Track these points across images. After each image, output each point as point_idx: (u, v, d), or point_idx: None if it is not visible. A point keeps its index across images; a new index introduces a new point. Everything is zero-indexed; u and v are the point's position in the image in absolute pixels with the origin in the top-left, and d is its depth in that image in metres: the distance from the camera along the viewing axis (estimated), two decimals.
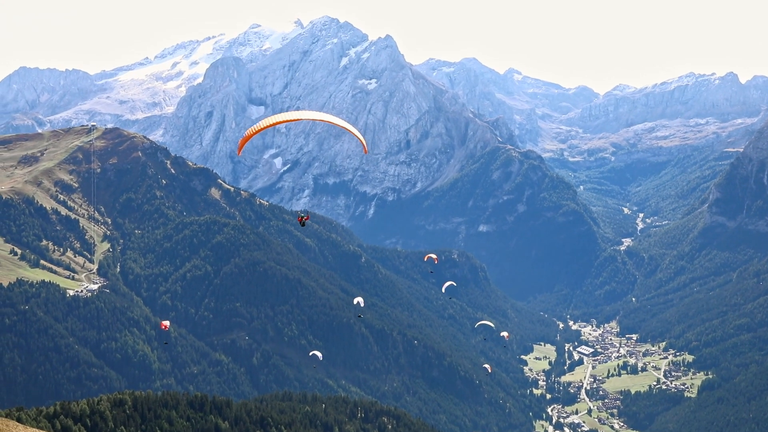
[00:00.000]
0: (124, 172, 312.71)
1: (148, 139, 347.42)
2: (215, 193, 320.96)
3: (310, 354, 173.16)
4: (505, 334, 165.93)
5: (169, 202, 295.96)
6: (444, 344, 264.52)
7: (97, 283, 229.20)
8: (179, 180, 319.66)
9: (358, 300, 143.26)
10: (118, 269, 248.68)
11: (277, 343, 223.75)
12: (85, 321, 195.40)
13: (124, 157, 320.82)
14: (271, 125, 40.27)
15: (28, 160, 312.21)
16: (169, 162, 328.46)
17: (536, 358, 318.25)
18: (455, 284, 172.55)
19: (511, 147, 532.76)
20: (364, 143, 40.42)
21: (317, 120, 41.70)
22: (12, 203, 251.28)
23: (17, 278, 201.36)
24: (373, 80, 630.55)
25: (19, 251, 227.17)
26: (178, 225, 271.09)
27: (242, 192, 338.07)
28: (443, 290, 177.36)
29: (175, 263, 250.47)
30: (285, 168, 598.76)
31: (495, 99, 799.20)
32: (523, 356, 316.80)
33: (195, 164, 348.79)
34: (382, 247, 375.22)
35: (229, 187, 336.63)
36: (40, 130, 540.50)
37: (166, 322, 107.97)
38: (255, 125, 40.69)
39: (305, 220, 53.80)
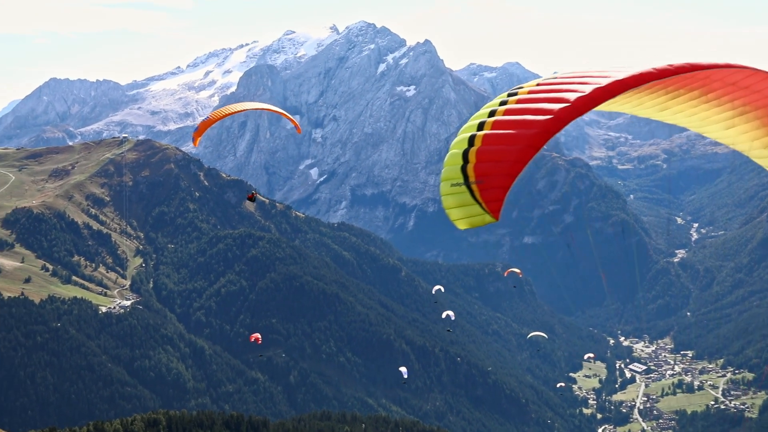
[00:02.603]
0: (156, 184, 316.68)
1: (181, 151, 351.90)
2: (250, 205, 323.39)
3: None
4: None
5: (203, 215, 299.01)
6: (488, 361, 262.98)
7: (129, 299, 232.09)
8: (213, 192, 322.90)
9: (448, 313, 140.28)
10: (151, 285, 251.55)
11: (315, 360, 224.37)
12: (118, 338, 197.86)
13: (157, 170, 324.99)
14: (217, 119, 41.78)
15: (59, 174, 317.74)
16: (202, 174, 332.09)
17: (585, 376, 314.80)
18: (443, 289, 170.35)
19: (556, 155, 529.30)
20: (297, 123, 41.54)
21: (241, 110, 43.38)
22: (43, 218, 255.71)
23: (49, 295, 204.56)
24: (412, 87, 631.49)
25: (50, 267, 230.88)
26: (212, 239, 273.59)
27: (277, 204, 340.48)
28: (433, 292, 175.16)
29: (209, 278, 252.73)
30: (321, 179, 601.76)
31: None
32: (571, 374, 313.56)
33: (229, 176, 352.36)
34: (422, 260, 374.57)
35: (264, 199, 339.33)
36: (70, 143, 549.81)
37: (257, 335, 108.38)
38: (205, 119, 42.41)
39: (255, 195, 54.79)
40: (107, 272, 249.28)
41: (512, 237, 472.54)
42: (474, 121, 19.35)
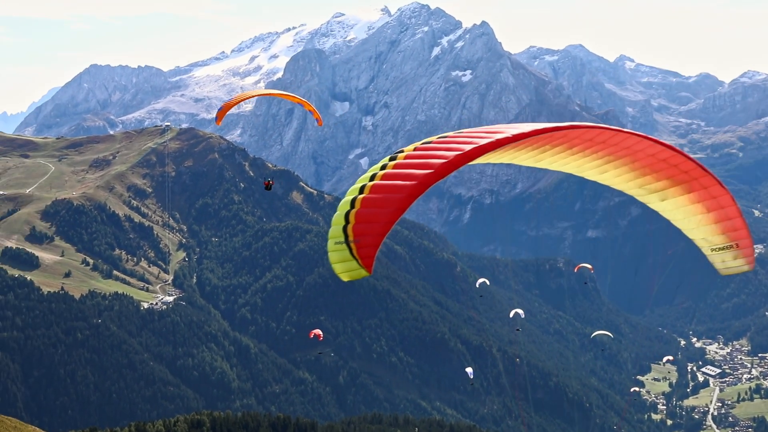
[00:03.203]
0: (200, 175, 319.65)
1: (225, 140, 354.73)
2: (297, 197, 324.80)
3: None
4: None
5: (248, 207, 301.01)
6: (550, 362, 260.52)
7: (172, 294, 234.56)
8: (258, 183, 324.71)
9: (518, 311, 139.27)
10: (195, 280, 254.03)
11: (365, 360, 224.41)
12: (161, 335, 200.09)
13: (200, 159, 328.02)
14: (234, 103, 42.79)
15: (99, 164, 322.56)
16: (247, 164, 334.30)
17: (655, 379, 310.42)
18: (488, 282, 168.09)
19: None
20: (318, 115, 42.23)
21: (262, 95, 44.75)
22: (83, 210, 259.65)
23: (89, 290, 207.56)
24: (468, 71, 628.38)
25: (91, 261, 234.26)
26: (258, 232, 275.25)
27: (326, 195, 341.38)
28: (477, 285, 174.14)
29: (254, 273, 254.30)
30: None
31: (604, 90, 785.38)
32: (639, 377, 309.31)
33: (275, 166, 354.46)
34: (479, 255, 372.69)
35: (311, 190, 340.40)
36: (111, 132, 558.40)
37: (318, 331, 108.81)
38: (229, 101, 43.39)
39: (271, 184, 54.67)
40: (149, 267, 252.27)
41: (575, 230, 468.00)
42: (358, 184, 23.17)
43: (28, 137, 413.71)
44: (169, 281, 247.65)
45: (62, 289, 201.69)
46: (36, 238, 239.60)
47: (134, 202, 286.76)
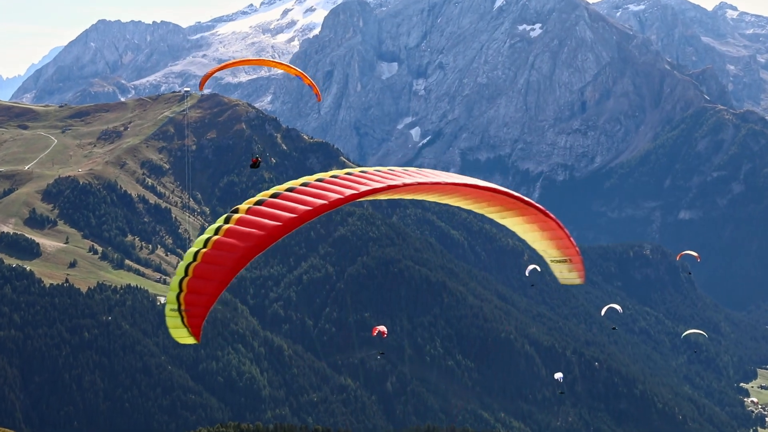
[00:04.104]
0: (224, 149, 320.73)
1: (254, 108, 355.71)
2: None
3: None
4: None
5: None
6: (635, 367, 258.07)
7: None
8: (292, 158, 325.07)
9: (614, 306, 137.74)
10: None
11: (417, 364, 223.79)
12: None
13: (225, 131, 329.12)
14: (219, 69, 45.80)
15: (109, 136, 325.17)
16: (279, 135, 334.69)
17: (761, 387, 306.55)
18: (539, 269, 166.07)
19: (723, 107, 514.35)
20: (317, 90, 43.64)
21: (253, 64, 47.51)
22: (91, 189, 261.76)
23: (98, 282, 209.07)
24: (537, 25, 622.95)
25: (99, 249, 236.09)
26: None
27: None
28: (527, 273, 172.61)
29: (288, 263, 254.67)
30: (424, 141, 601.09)
31: (701, 44, 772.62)
32: (743, 384, 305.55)
33: (312, 138, 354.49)
34: None
35: (354, 166, 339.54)
36: (123, 99, 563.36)
37: (382, 327, 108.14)
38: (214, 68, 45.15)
39: (259, 162, 55.07)
40: (166, 255, 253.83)
41: (664, 211, 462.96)
42: (193, 249, 26.13)
43: (27, 105, 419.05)
44: None
45: (67, 281, 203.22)
46: (36, 222, 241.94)
47: (149, 181, 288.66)
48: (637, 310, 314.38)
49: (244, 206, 27.41)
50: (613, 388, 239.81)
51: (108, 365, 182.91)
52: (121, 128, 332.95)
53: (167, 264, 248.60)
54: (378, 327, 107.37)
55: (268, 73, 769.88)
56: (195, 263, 25.69)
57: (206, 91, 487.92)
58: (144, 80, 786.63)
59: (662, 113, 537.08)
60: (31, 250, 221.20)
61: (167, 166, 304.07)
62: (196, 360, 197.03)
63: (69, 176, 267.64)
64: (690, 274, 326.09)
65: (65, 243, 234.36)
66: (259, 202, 27.39)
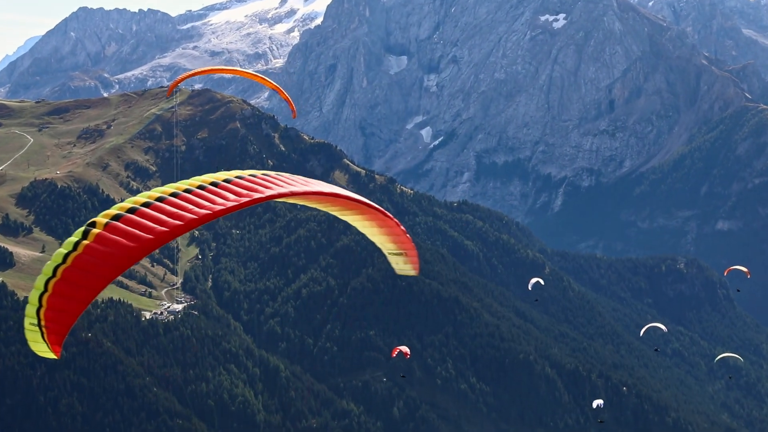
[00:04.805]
0: (217, 149, 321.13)
1: (250, 105, 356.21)
2: (340, 177, 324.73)
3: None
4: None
5: None
6: (667, 393, 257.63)
7: (182, 301, 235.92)
8: (291, 160, 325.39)
9: (656, 326, 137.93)
10: (210, 283, 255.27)
11: (427, 386, 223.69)
12: (167, 354, 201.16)
13: (218, 129, 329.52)
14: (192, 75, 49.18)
15: (90, 135, 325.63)
16: (277, 135, 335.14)
17: None
18: (542, 282, 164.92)
19: (765, 106, 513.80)
20: (293, 106, 51.38)
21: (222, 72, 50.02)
22: (70, 193, 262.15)
23: None
24: (561, 15, 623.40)
25: None
26: (290, 222, 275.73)
27: (377, 176, 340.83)
28: (530, 287, 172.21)
29: (285, 275, 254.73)
30: (436, 142, 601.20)
31: (741, 37, 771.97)
32: None
33: (313, 138, 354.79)
34: (574, 253, 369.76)
35: (359, 169, 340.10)
36: (105, 94, 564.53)
37: (404, 348, 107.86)
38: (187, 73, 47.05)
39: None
40: (152, 266, 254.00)
41: (700, 221, 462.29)
42: (51, 263, 27.04)
43: (0, 100, 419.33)
44: (178, 285, 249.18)
45: None
46: (9, 228, 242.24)
47: (134, 184, 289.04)
48: (669, 330, 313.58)
49: (113, 211, 27.70)
50: (642, 416, 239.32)
51: (87, 386, 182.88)
52: (104, 126, 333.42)
53: (153, 276, 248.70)
54: (399, 347, 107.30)
55: (265, 66, 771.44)
56: (54, 279, 26.93)
57: (197, 86, 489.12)
58: (129, 74, 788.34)
59: (698, 113, 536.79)
60: (4, 260, 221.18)
61: (154, 168, 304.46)
62: (185, 381, 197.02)
63: (46, 179, 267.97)
64: (739, 291, 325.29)
65: (41, 252, 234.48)
66: (131, 210, 27.62)
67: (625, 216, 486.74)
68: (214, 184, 28.41)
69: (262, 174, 29.41)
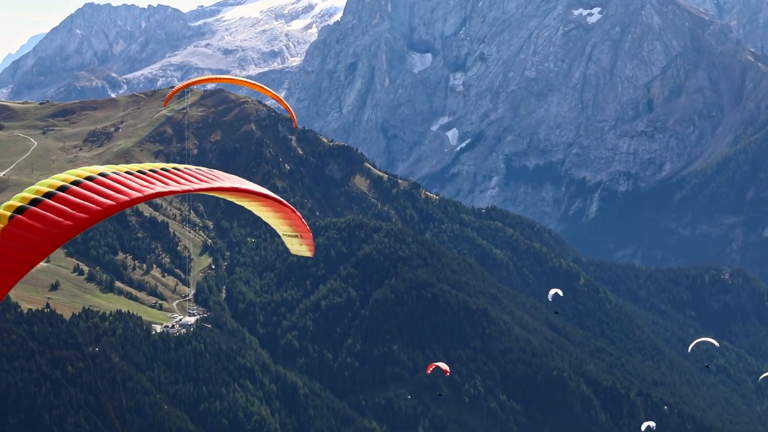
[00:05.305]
0: (230, 153, 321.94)
1: (265, 105, 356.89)
2: (361, 182, 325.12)
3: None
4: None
5: (296, 197, 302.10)
6: (711, 412, 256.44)
7: (194, 314, 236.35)
8: (309, 164, 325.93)
9: (707, 340, 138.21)
10: (224, 294, 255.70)
11: (454, 405, 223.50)
12: (178, 369, 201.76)
13: (231, 132, 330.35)
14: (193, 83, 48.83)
15: (97, 138, 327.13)
16: (294, 138, 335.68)
17: None
18: (561, 293, 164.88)
19: None
20: (293, 115, 54.23)
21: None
22: None
23: (84, 307, 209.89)
24: (596, 9, 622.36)
25: (85, 269, 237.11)
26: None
27: (400, 181, 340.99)
28: (549, 298, 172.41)
29: (304, 286, 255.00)
30: (463, 144, 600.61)
31: None
32: None
33: (332, 141, 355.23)
34: (610, 263, 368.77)
35: (381, 173, 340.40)
36: (113, 95, 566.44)
37: (443, 365, 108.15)
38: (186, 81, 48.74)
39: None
40: (163, 276, 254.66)
41: (746, 228, 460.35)
42: None
43: (2, 101, 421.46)
44: (190, 296, 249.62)
45: (47, 306, 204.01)
46: None
47: None
48: (711, 344, 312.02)
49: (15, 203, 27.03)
50: None
51: (95, 404, 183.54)
52: (112, 129, 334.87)
53: (164, 287, 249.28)
54: (437, 364, 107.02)
55: (282, 65, 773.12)
56: None
57: (210, 86, 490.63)
58: (138, 73, 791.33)
59: (744, 113, 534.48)
60: None
61: None
62: (197, 398, 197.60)
63: None
64: None
65: (46, 262, 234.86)
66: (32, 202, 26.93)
67: (665, 223, 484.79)
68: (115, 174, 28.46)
69: (161, 168, 30.00)
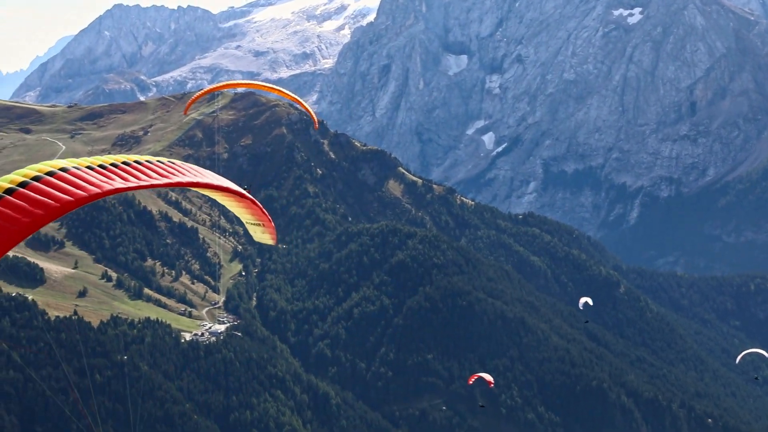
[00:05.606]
0: (261, 157, 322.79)
1: (296, 109, 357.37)
2: (395, 187, 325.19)
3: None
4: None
5: (328, 203, 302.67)
6: (757, 425, 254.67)
7: (224, 322, 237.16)
8: (342, 169, 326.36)
9: (586, 300, 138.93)
10: (254, 302, 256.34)
11: (490, 416, 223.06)
12: (208, 378, 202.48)
13: (262, 136, 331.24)
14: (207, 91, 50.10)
15: (126, 142, 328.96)
16: (326, 142, 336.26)
17: None
18: (591, 302, 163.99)
19: None
20: (314, 116, 55.21)
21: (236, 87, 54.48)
22: (104, 205, 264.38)
23: (112, 315, 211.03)
24: (637, 10, 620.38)
25: (114, 275, 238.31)
26: (341, 236, 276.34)
27: (435, 186, 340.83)
28: (580, 307, 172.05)
29: (336, 294, 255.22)
30: (499, 149, 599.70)
31: None
32: None
33: (365, 145, 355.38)
34: (651, 271, 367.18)
35: (415, 178, 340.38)
36: (142, 98, 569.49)
37: (487, 376, 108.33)
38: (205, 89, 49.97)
39: (248, 192, 60.11)
40: (193, 283, 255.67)
41: None
42: None
43: (30, 105, 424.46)
44: (220, 303, 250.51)
45: (75, 313, 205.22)
46: (40, 243, 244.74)
47: (173, 195, 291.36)
48: (760, 355, 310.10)
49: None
50: None
51: (123, 414, 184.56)
52: (140, 133, 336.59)
53: (193, 294, 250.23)
54: (480, 374, 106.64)
55: (314, 68, 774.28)
56: None
57: (241, 89, 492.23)
58: (167, 75, 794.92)
59: None
60: (34, 276, 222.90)
61: None
62: (227, 408, 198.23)
63: None
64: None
65: (74, 268, 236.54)
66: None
67: (708, 230, 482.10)
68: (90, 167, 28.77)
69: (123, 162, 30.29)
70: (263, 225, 38.47)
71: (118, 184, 28.27)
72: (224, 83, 51.98)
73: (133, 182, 28.99)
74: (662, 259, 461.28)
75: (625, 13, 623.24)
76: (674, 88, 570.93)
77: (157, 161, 31.33)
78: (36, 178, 27.05)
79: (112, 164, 29.29)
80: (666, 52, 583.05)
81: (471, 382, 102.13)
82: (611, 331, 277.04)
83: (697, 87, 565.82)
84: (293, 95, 49.61)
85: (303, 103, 48.93)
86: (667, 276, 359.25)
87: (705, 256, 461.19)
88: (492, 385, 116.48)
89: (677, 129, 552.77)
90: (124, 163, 29.73)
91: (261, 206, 37.66)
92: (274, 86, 51.35)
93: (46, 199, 26.33)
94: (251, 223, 38.73)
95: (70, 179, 27.37)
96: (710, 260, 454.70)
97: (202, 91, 52.51)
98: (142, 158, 30.89)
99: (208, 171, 34.87)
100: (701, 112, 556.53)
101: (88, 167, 28.49)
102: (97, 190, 27.26)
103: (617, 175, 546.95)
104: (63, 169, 27.73)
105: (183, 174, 32.03)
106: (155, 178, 30.21)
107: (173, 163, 32.26)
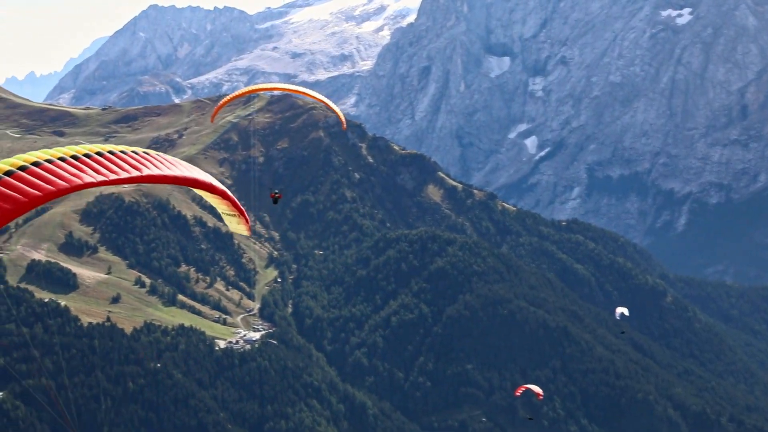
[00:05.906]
0: (298, 160, 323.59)
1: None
2: (434, 192, 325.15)
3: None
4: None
5: (366, 208, 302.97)
6: None
7: (259, 329, 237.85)
8: (380, 173, 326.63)
9: (622, 310, 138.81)
10: (290, 309, 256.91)
11: (533, 428, 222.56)
12: (243, 387, 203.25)
13: (299, 140, 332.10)
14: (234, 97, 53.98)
15: (160, 145, 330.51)
16: (365, 146, 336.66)
17: None
18: (627, 312, 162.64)
19: None
20: (342, 118, 57.31)
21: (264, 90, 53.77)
22: (138, 209, 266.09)
23: (145, 321, 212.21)
24: (686, 10, 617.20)
25: (147, 281, 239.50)
26: (379, 242, 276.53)
27: (476, 191, 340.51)
28: (617, 317, 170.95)
29: (373, 301, 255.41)
30: (542, 153, 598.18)
31: None
32: None
33: (404, 148, 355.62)
34: (700, 279, 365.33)
35: (455, 183, 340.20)
36: (177, 100, 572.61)
37: (536, 388, 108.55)
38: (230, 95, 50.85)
39: (278, 198, 61.87)
40: (227, 290, 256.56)
41: None
42: None
43: (64, 107, 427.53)
44: (255, 311, 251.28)
45: (108, 319, 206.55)
46: (73, 248, 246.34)
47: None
48: None
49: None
50: None
51: (156, 422, 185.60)
52: (175, 135, 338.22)
53: (228, 300, 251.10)
54: (528, 386, 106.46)
55: (352, 69, 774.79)
56: None
57: (277, 92, 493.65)
58: (203, 78, 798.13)
59: None
60: (67, 282, 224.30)
61: (229, 182, 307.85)
62: (262, 418, 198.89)
63: (112, 193, 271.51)
64: None
65: (107, 274, 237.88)
66: None
67: (759, 237, 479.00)
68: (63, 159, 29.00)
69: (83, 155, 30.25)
70: (238, 216, 39.41)
71: (88, 178, 28.39)
72: (238, 92, 53.30)
73: (101, 178, 29.00)
74: (711, 267, 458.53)
75: (674, 13, 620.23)
76: (724, 90, 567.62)
77: (132, 151, 31.55)
78: (8, 173, 27.18)
79: (85, 155, 29.52)
80: (716, 54, 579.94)
81: (518, 394, 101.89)
82: (658, 342, 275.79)
83: (749, 90, 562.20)
84: (318, 95, 50.29)
85: (328, 102, 49.50)
86: (716, 285, 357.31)
87: (756, 265, 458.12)
88: (541, 397, 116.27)
89: (727, 133, 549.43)
90: (98, 153, 29.96)
91: (234, 198, 38.54)
92: (290, 87, 52.09)
93: (14, 194, 26.47)
94: (226, 213, 39.79)
95: (42, 174, 27.58)
96: (761, 269, 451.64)
97: (223, 102, 54.73)
98: (116, 148, 31.04)
99: (184, 162, 35.26)
100: (753, 115, 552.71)
101: (61, 158, 28.73)
102: (66, 185, 27.55)
103: (664, 180, 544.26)
104: (35, 164, 27.92)
105: (157, 167, 32.45)
106: (127, 170, 30.48)
107: (148, 154, 32.50)
